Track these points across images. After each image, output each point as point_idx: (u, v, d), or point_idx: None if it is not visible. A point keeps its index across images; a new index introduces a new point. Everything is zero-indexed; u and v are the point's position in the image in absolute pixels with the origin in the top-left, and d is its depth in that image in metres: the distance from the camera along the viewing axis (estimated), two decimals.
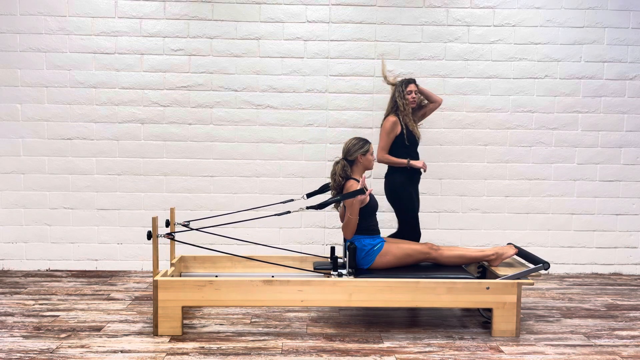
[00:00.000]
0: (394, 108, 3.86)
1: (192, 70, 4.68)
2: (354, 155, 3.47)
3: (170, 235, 3.38)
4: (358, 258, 3.41)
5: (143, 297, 3.95)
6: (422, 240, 4.02)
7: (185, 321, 3.40)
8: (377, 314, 3.62)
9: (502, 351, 3.01)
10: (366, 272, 3.38)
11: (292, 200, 3.85)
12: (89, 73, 4.64)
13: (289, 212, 3.45)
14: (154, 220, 3.14)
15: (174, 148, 4.73)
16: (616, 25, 4.73)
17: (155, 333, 3.17)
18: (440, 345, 3.10)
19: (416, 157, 3.91)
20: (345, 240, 3.53)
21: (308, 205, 3.50)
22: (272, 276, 3.51)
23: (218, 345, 3.04)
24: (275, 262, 3.65)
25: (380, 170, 4.50)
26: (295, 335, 3.22)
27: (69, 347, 3.00)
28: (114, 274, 4.62)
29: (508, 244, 3.69)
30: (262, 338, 3.16)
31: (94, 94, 4.66)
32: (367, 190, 3.30)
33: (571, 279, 4.68)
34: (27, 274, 4.57)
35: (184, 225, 3.45)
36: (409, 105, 3.83)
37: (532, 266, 3.35)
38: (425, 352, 2.99)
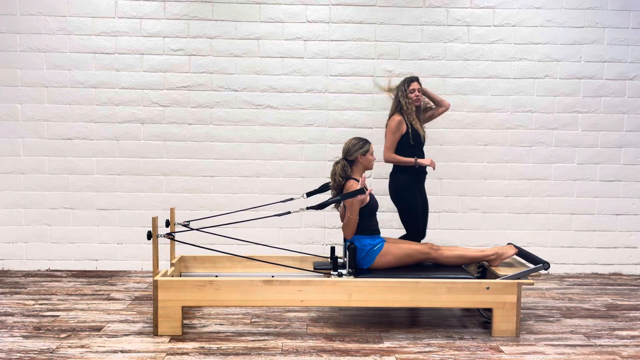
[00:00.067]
0: (398, 107, 3.85)
1: (192, 70, 4.68)
2: (354, 155, 3.46)
3: (170, 235, 3.38)
4: (358, 258, 3.41)
5: (143, 297, 3.95)
6: (422, 240, 4.02)
7: (185, 321, 3.40)
8: (377, 314, 3.62)
9: (502, 351, 3.01)
10: (366, 272, 3.38)
11: (292, 199, 3.85)
12: (89, 73, 4.64)
13: (289, 212, 3.44)
14: (154, 220, 3.14)
15: (174, 148, 4.73)
16: (616, 25, 4.73)
17: (155, 333, 3.17)
18: (440, 345, 3.10)
19: (422, 157, 3.89)
20: (345, 240, 3.53)
21: (308, 205, 3.49)
22: (272, 276, 3.51)
23: (218, 345, 3.04)
24: (275, 262, 3.65)
25: (380, 170, 4.50)
26: (295, 335, 3.22)
27: (69, 347, 3.00)
28: (114, 274, 4.62)
29: (508, 244, 3.68)
30: (262, 338, 3.16)
31: (94, 94, 4.66)
32: (367, 190, 3.30)
33: (571, 279, 4.68)
34: (27, 274, 4.57)
35: (184, 225, 3.44)
36: (412, 103, 3.82)
37: (532, 266, 3.35)
38: (425, 352, 2.99)
